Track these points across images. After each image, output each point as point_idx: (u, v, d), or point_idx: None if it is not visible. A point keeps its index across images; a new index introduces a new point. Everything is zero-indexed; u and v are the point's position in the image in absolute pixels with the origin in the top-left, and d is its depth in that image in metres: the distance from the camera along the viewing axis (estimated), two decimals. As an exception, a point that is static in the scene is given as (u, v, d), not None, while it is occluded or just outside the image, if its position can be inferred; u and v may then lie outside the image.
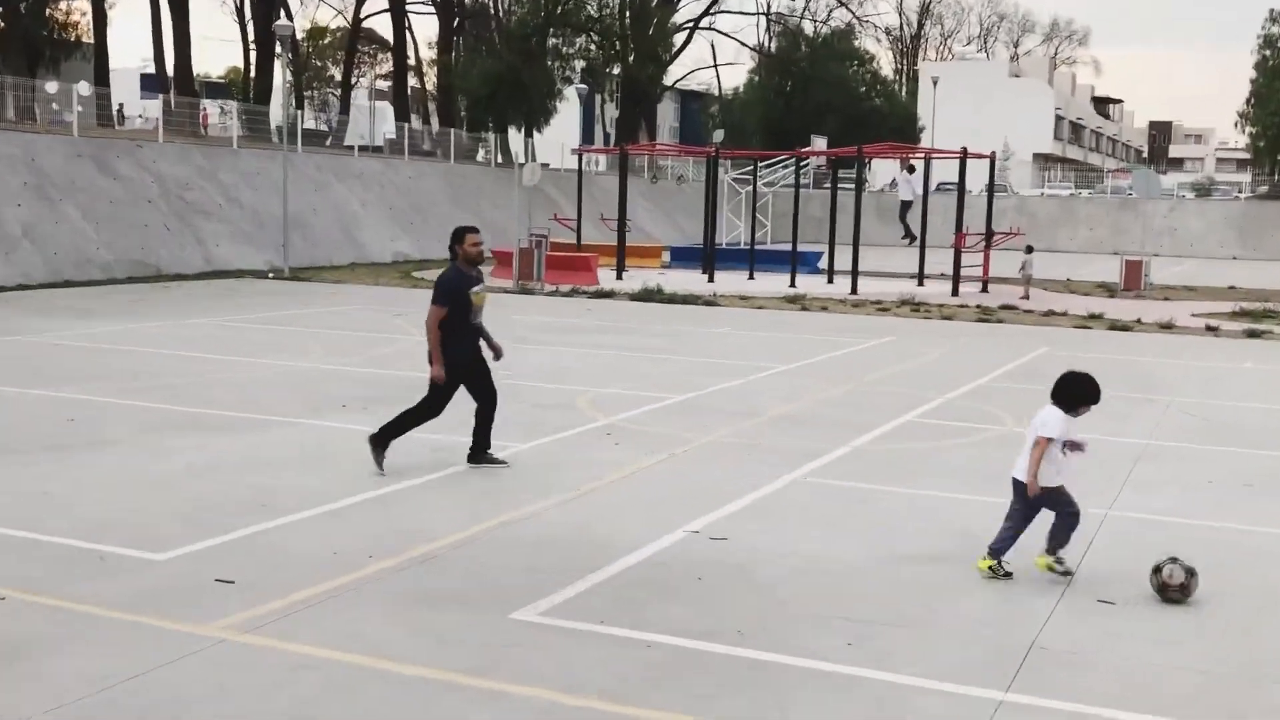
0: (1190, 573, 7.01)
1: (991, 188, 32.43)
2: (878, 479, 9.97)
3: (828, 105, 67.55)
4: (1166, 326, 22.57)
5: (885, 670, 5.90)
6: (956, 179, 31.14)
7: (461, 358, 9.67)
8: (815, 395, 14.07)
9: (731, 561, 7.57)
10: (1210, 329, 22.46)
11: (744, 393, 14.17)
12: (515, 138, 34.85)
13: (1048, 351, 18.69)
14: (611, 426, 11.82)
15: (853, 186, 33.61)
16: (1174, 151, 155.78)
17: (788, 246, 32.47)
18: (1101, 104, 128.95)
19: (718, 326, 21.30)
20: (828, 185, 39.16)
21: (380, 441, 9.73)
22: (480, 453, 10.01)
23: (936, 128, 68.49)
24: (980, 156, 30.83)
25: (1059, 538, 7.43)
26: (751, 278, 31.96)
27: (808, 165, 48.14)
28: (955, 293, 28.72)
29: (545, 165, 43.24)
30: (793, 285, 29.22)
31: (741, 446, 11.12)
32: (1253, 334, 21.85)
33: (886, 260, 36.60)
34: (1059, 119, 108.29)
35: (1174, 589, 7.01)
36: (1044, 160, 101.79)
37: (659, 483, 9.63)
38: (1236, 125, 78.42)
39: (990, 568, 7.37)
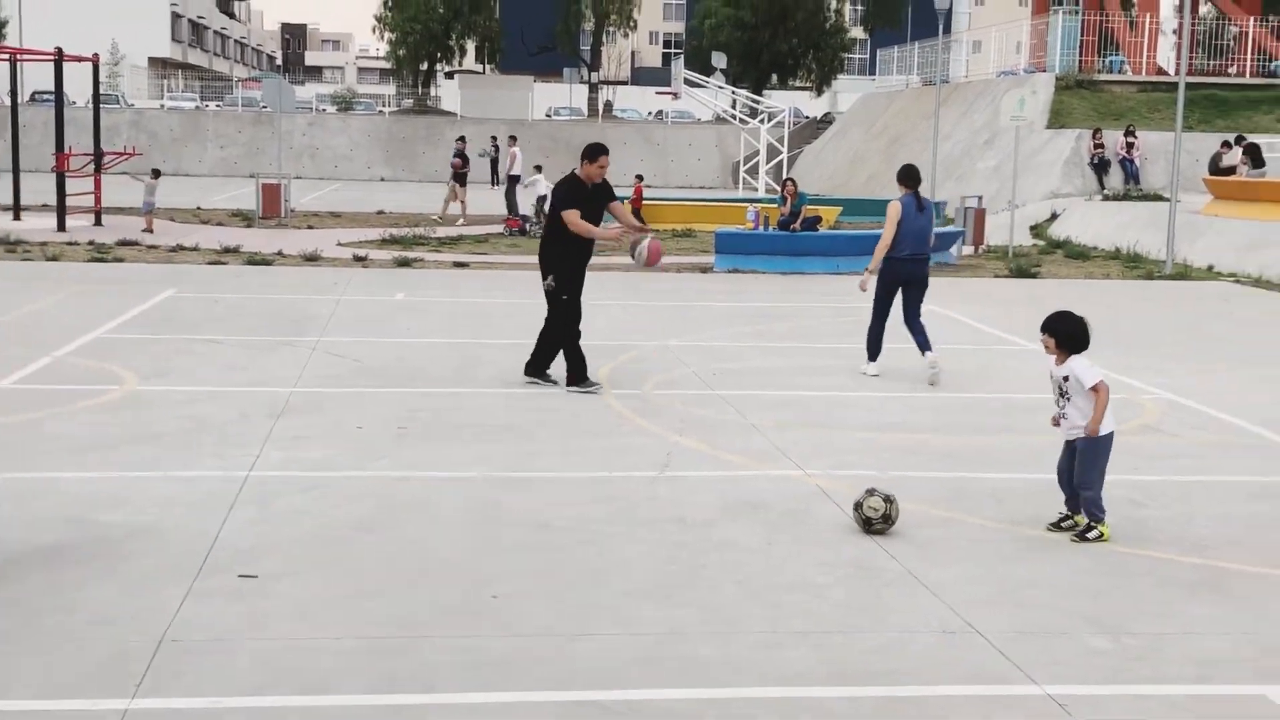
0: (889, 500, 8.26)
1: (98, 98, 31.71)
2: (-35, 464, 9.44)
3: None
4: (312, 258, 23.62)
5: (-21, 700, 5.64)
6: (54, 87, 30.06)
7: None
8: (-124, 365, 12.97)
9: None
10: (359, 259, 23.87)
11: None
12: None
13: (176, 294, 18.78)
14: None
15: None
16: (311, 59, 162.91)
17: None
18: (226, 1, 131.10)
19: None
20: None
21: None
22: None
23: (26, 23, 65.59)
24: (81, 59, 30.03)
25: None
26: None
27: None
28: (62, 227, 27.86)
29: None
30: None
31: None
32: (403, 263, 23.56)
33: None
34: (176, 18, 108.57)
35: (878, 521, 8.23)
36: (162, 66, 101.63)
37: None
38: (375, 31, 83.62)
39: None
